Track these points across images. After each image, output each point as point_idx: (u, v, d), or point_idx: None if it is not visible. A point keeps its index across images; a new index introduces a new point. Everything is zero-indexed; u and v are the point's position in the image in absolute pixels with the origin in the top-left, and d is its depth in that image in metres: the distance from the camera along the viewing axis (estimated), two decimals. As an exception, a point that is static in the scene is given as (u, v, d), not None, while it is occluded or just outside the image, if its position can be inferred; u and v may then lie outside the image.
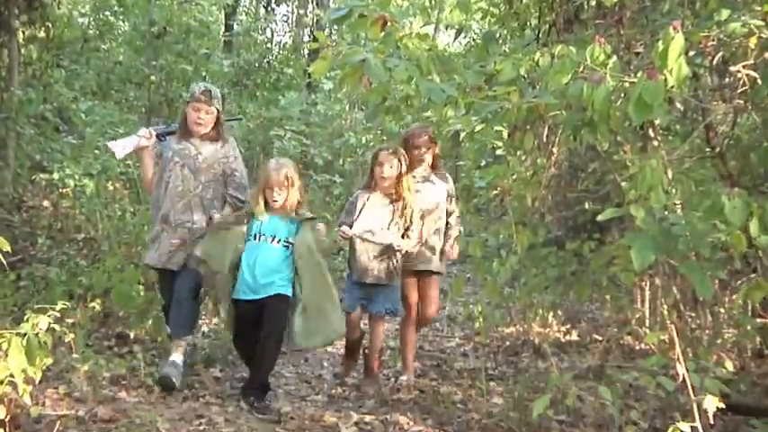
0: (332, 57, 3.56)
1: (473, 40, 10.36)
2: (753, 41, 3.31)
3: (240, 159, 4.67)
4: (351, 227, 4.60)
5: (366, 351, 4.89)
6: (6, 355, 2.79)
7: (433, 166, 4.91)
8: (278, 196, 4.30)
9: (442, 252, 4.87)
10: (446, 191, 4.92)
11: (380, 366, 4.98)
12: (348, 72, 3.41)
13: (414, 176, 4.73)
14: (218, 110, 4.52)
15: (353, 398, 4.63)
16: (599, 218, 3.14)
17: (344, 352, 4.99)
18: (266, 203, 4.35)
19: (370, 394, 4.59)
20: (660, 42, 2.88)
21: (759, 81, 3.47)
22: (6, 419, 2.96)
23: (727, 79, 3.99)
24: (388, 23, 3.50)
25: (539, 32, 4.90)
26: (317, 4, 15.77)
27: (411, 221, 4.63)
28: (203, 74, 10.41)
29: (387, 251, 4.59)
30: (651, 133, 4.01)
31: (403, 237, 4.62)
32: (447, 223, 4.89)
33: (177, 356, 4.39)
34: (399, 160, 4.58)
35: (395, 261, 4.63)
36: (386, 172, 4.58)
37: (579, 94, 2.96)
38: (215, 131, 4.53)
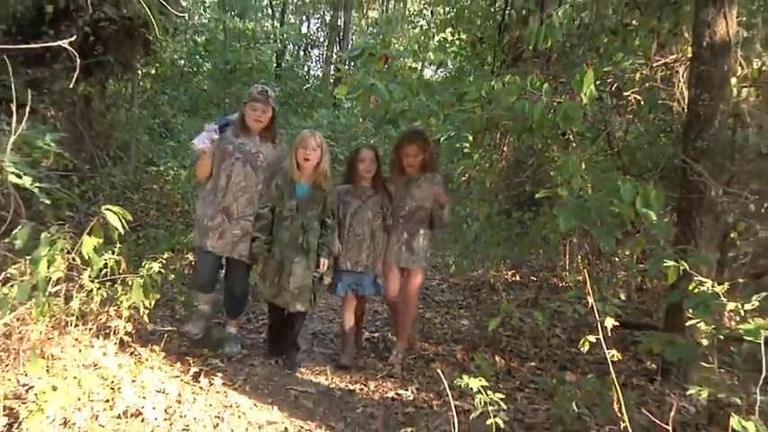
0: (350, 83, 3.57)
1: (449, 72, 10.28)
2: (638, 75, 3.33)
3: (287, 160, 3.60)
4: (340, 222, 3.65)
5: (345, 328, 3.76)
6: (131, 289, 2.85)
7: (424, 168, 3.64)
8: (309, 156, 3.42)
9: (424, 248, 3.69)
10: (431, 195, 3.61)
11: (360, 341, 4.00)
12: (361, 93, 3.40)
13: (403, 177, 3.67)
14: (273, 108, 3.57)
15: (364, 321, 4.58)
16: (536, 196, 3.13)
17: (343, 335, 3.76)
18: (298, 165, 3.46)
19: (347, 365, 3.58)
20: (577, 75, 2.88)
21: (642, 102, 3.48)
22: (133, 332, 3.02)
23: (621, 101, 3.99)
24: (390, 59, 3.50)
25: (494, 67, 4.88)
26: (339, 48, 15.74)
27: (389, 212, 3.66)
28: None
29: (372, 243, 3.62)
30: (571, 137, 4.00)
31: (384, 227, 3.66)
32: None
33: (233, 329, 3.73)
34: (377, 157, 3.65)
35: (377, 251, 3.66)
36: (367, 167, 3.62)
37: (522, 109, 2.96)
38: (270, 132, 3.58)
